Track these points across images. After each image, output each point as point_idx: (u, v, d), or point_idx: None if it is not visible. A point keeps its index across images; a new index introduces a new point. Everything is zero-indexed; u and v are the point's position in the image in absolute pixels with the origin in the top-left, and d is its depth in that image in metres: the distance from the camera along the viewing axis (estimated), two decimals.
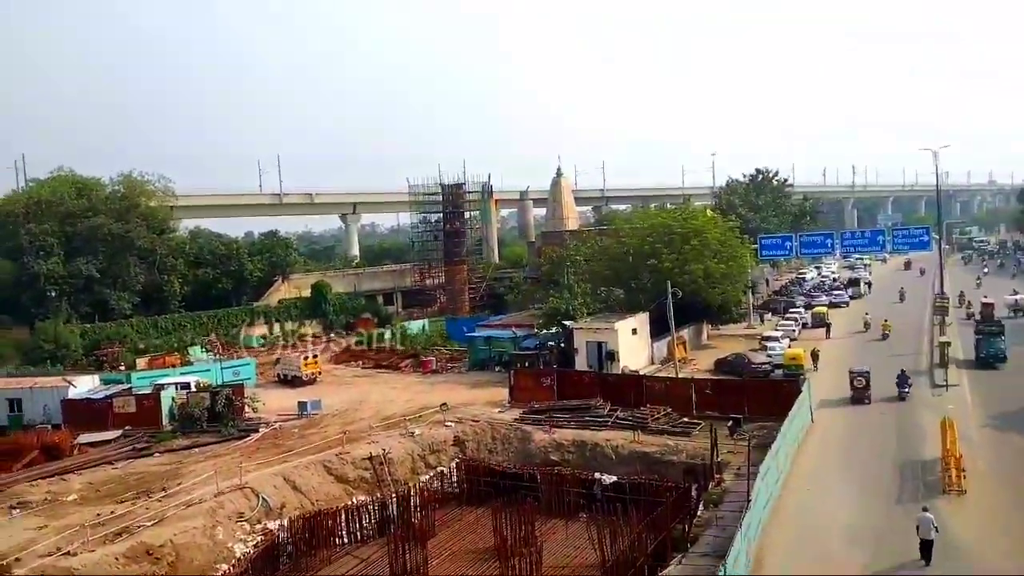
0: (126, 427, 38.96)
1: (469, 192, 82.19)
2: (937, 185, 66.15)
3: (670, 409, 36.57)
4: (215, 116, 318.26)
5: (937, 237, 67.30)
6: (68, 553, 23.78)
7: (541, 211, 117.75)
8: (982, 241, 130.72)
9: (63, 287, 61.03)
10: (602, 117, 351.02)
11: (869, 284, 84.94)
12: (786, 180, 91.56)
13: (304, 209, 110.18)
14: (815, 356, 46.59)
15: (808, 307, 67.57)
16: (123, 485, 31.14)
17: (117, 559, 23.79)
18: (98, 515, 27.07)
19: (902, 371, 39.62)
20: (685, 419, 35.74)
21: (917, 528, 21.49)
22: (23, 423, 40.04)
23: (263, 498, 29.12)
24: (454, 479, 34.07)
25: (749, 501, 22.48)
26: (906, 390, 38.35)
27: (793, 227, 79.74)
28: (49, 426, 39.11)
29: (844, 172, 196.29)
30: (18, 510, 28.60)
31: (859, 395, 37.99)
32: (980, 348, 43.84)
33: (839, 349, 51.77)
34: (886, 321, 57.09)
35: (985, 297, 57.37)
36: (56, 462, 34.37)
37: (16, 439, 36.33)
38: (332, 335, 72.22)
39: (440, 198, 79.48)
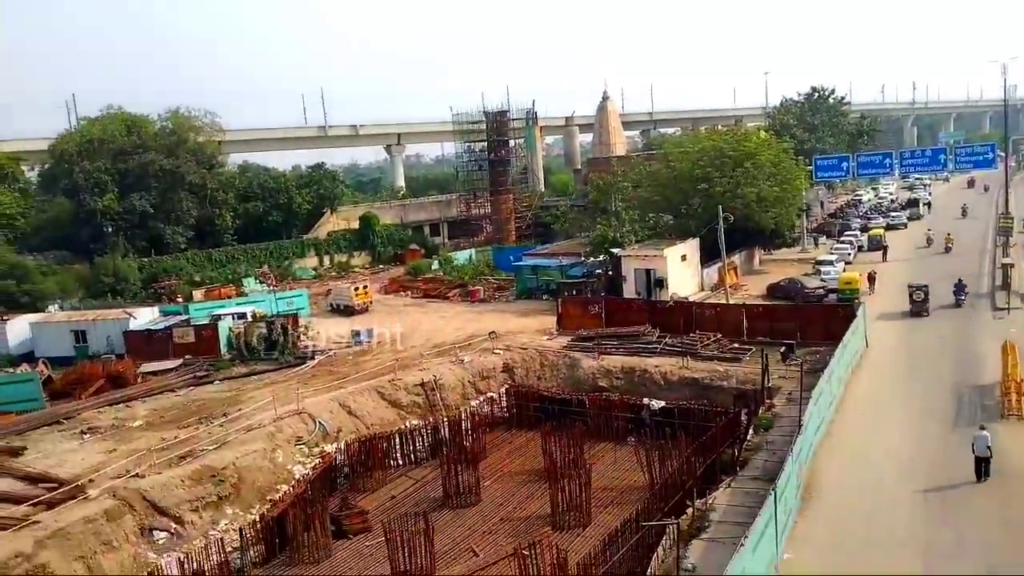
0: (186, 356, 40.22)
1: (513, 119, 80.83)
2: (1005, 98, 62.66)
3: (720, 335, 36.29)
4: (257, 52, 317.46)
5: (1003, 154, 64.18)
6: (137, 475, 24.90)
7: (587, 137, 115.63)
8: None
9: (119, 223, 62.40)
10: (649, 37, 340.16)
11: (928, 204, 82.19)
12: (843, 98, 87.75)
13: (349, 141, 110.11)
14: (872, 278, 45.77)
15: (864, 230, 65.86)
16: (186, 411, 32.35)
17: (183, 480, 24.87)
18: (163, 439, 28.23)
19: (959, 280, 41.51)
20: (735, 345, 35.47)
21: (972, 446, 21.23)
22: (88, 353, 41.58)
23: (320, 422, 29.97)
24: (504, 404, 34.53)
25: (801, 426, 22.30)
26: (962, 297, 40.46)
27: (850, 147, 76.86)
28: (113, 356, 40.53)
29: (904, 88, 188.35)
30: (88, 435, 30.01)
31: (918, 308, 39.21)
32: None
33: (900, 266, 51.43)
34: (949, 234, 57.63)
35: None
36: (121, 390, 35.74)
37: (83, 368, 37.75)
38: (380, 266, 73.10)
39: (484, 126, 78.43)
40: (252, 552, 23.53)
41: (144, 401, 34.28)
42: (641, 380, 33.91)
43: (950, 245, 56.39)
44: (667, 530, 19.50)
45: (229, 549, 23.14)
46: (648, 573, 18.11)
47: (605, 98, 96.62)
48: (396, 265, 72.41)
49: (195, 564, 21.30)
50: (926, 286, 39.79)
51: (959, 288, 40.79)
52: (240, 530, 23.78)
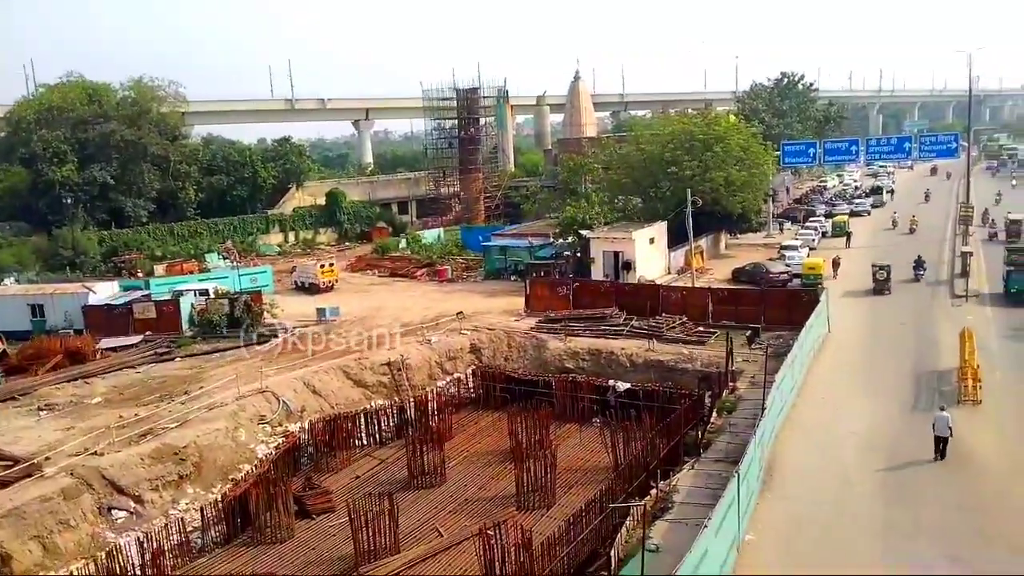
0: (147, 332, 39.48)
1: (484, 97, 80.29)
2: (970, 88, 63.36)
3: (686, 318, 36.56)
4: (223, 19, 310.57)
5: (966, 144, 65.28)
6: (96, 453, 24.40)
7: (558, 117, 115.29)
8: (1012, 149, 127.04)
9: (78, 194, 60.77)
10: (621, 18, 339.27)
11: (892, 192, 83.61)
12: (812, 84, 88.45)
13: (316, 115, 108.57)
14: (836, 264, 46.57)
15: (829, 216, 66.81)
16: (146, 389, 31.75)
17: (143, 459, 24.38)
18: (121, 417, 27.65)
19: (919, 256, 45.25)
20: (701, 328, 35.75)
21: (933, 426, 21.90)
22: (46, 328, 40.59)
23: (284, 401, 29.63)
24: (470, 385, 34.54)
25: (764, 409, 22.55)
26: (921, 272, 44.26)
27: (817, 133, 77.63)
28: (71, 331, 39.68)
29: (871, 76, 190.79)
30: (45, 412, 29.34)
31: (880, 287, 41.83)
32: (1011, 282, 38.29)
33: (864, 251, 52.47)
34: (914, 216, 61.89)
35: (1010, 214, 55.81)
36: (79, 366, 34.95)
37: (40, 343, 36.82)
38: (347, 243, 72.34)
39: (454, 103, 77.73)
40: (213, 531, 23.31)
41: (103, 378, 33.58)
42: (607, 362, 34.03)
43: (914, 227, 60.14)
44: (631, 511, 19.66)
45: (190, 528, 22.92)
46: (612, 553, 18.23)
47: (577, 78, 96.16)
48: (363, 243, 71.75)
49: (155, 544, 21.04)
50: (888, 266, 42.33)
51: (918, 264, 44.57)
52: (201, 509, 23.53)
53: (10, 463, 23.91)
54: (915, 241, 54.50)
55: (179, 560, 21.96)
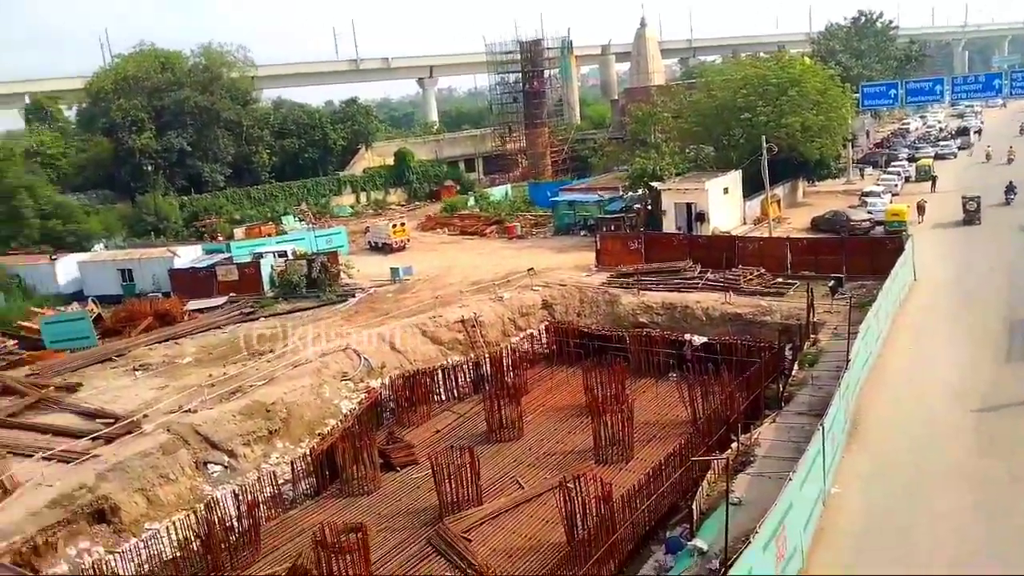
0: (230, 294, 40.84)
1: (548, 49, 78.98)
2: None
3: (763, 270, 35.77)
4: None
5: None
6: (190, 410, 25.60)
7: (624, 67, 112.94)
8: None
9: (158, 161, 62.64)
10: None
11: (979, 132, 79.33)
12: (891, 22, 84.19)
13: (381, 75, 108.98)
14: (921, 209, 44.72)
15: (912, 160, 64.00)
16: (233, 348, 32.95)
17: (234, 415, 25.47)
18: (211, 376, 28.89)
19: (1010, 182, 46.66)
20: (779, 280, 34.95)
21: None
22: (135, 292, 42.44)
23: (364, 358, 30.36)
24: (543, 341, 34.65)
25: (848, 361, 22.02)
26: (1012, 196, 45.78)
27: (897, 73, 74.11)
28: (159, 294, 41.36)
29: (955, 11, 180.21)
30: (140, 371, 30.85)
31: (970, 217, 42.58)
32: None
33: (952, 194, 49.95)
34: (1011, 147, 62.24)
35: None
36: (169, 327, 36.48)
37: (131, 307, 38.51)
38: (416, 202, 72.97)
39: (518, 56, 76.76)
40: (304, 484, 24.23)
41: (192, 338, 35.01)
42: (682, 316, 33.65)
43: (1012, 157, 60.55)
44: (712, 464, 19.56)
45: (281, 481, 23.86)
46: (694, 506, 18.25)
47: (643, 25, 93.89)
48: (432, 202, 72.20)
49: (249, 496, 21.99)
50: (978, 197, 42.99)
51: (1009, 188, 46.13)
52: (292, 463, 24.45)
53: (112, 420, 25.29)
54: (1009, 172, 53.06)
55: (272, 511, 22.96)
